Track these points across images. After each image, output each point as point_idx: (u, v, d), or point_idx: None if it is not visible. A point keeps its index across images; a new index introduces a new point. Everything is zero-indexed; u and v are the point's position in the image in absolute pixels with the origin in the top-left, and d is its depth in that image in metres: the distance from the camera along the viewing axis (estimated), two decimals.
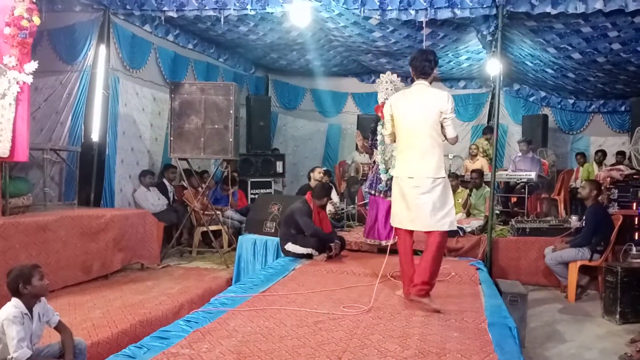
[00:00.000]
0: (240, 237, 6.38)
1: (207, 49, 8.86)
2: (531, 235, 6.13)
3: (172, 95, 6.57)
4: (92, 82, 6.63)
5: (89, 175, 6.62)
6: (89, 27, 6.59)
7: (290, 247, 5.44)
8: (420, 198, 3.58)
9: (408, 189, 3.63)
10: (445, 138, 3.64)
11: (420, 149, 3.58)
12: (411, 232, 3.79)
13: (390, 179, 5.61)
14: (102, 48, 6.68)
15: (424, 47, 5.02)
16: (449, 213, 3.59)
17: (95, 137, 6.70)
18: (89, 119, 6.66)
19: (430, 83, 3.70)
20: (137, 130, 7.42)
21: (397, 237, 3.90)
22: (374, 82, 9.74)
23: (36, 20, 4.60)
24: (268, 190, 9.16)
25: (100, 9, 6.60)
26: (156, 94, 7.78)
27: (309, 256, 5.40)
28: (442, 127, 3.58)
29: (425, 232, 3.66)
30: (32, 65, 4.64)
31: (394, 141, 3.84)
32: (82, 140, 6.52)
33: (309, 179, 7.71)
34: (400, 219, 3.75)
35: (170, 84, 6.80)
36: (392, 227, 5.59)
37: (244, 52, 9.61)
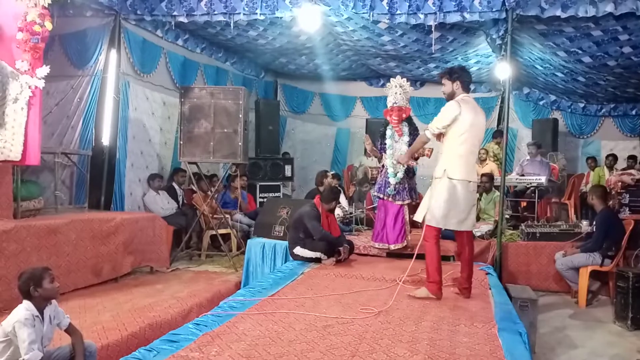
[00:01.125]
0: (249, 240, 6.40)
1: (216, 53, 8.90)
2: (541, 240, 6.09)
3: (182, 100, 6.61)
4: (102, 87, 6.69)
5: (99, 179, 6.67)
6: (100, 32, 6.66)
7: (298, 251, 5.44)
8: (474, 201, 3.93)
9: (465, 192, 3.87)
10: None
11: (476, 156, 4.12)
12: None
13: (399, 182, 5.63)
14: (113, 53, 6.74)
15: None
16: None
17: (105, 141, 6.75)
18: (100, 123, 6.72)
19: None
20: (146, 135, 7.48)
21: (429, 239, 3.96)
22: (383, 86, 9.75)
23: (48, 25, 4.65)
24: (277, 194, 9.17)
25: (112, 14, 6.66)
26: (166, 98, 7.83)
27: (317, 260, 5.39)
28: None
29: (464, 232, 4.03)
30: (44, 70, 4.69)
31: (439, 139, 4.02)
32: (93, 144, 6.57)
33: (319, 184, 7.72)
34: (451, 220, 3.90)
35: (180, 88, 6.84)
36: (400, 231, 5.64)
37: (253, 57, 9.65)
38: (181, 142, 6.64)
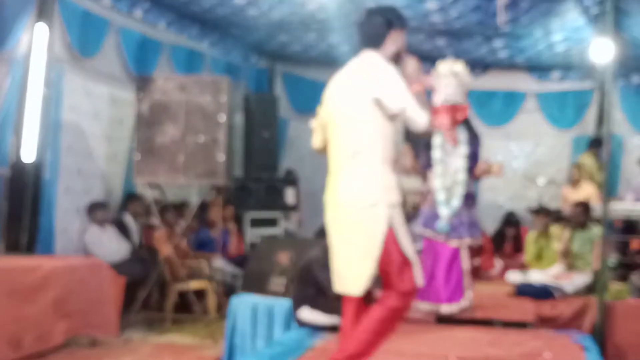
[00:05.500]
0: (233, 298, 6.37)
1: (188, 29, 8.99)
2: None
3: (140, 95, 6.67)
4: (25, 77, 6.72)
5: (19, 209, 6.67)
6: (24, 1, 6.75)
7: (307, 314, 5.41)
8: None
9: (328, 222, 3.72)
10: None
11: None
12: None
13: (455, 214, 5.61)
14: (42, 28, 6.80)
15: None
16: None
17: (29, 155, 6.79)
18: (21, 129, 6.76)
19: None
20: (87, 145, 7.52)
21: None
22: (427, 73, 9.77)
23: None
24: (274, 231, 9.16)
25: None
26: (116, 93, 7.88)
27: (334, 328, 5.36)
28: None
29: None
30: None
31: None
32: (11, 160, 6.62)
33: None
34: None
35: (137, 79, 6.89)
36: (457, 285, 5.61)
37: (241, 34, 9.72)
38: (137, 156, 6.67)
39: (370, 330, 3.51)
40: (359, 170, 3.46)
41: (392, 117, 3.47)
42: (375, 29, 3.66)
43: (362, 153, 3.46)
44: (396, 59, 3.66)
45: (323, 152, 3.85)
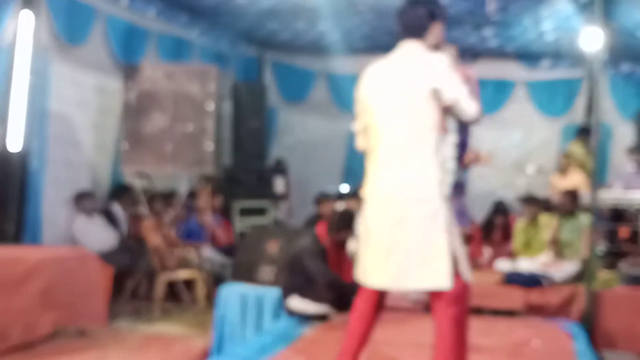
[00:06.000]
0: (222, 287, 6.37)
1: (177, 17, 8.95)
2: None
3: (126, 84, 6.65)
4: (10, 66, 6.70)
5: (5, 199, 6.66)
6: None
7: (296, 303, 5.42)
8: None
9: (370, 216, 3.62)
10: None
11: None
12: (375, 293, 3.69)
13: None
14: (27, 16, 6.76)
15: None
16: None
17: (15, 144, 6.76)
18: (6, 118, 6.73)
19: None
20: (74, 135, 7.51)
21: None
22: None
23: None
24: (264, 220, 9.17)
25: None
26: (103, 82, 7.84)
27: (323, 317, 5.37)
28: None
29: None
30: None
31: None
32: None
33: (320, 205, 7.74)
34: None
35: (124, 68, 6.87)
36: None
37: (229, 22, 9.69)
38: (125, 146, 6.65)
39: (453, 349, 3.37)
40: (416, 163, 3.40)
41: (444, 108, 3.45)
42: (418, 20, 3.60)
43: (420, 145, 3.41)
44: (435, 50, 3.62)
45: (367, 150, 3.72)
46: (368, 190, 3.58)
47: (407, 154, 3.41)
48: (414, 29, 3.58)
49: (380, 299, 3.57)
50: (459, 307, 3.35)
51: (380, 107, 3.52)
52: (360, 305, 3.64)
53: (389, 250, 3.36)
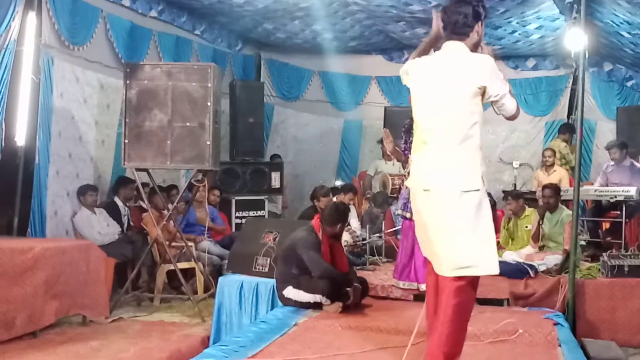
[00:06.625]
0: (220, 278, 6.37)
1: (177, 17, 8.95)
2: (631, 275, 6.04)
3: (128, 82, 6.61)
4: (16, 64, 6.65)
5: (11, 192, 6.65)
6: None
7: (290, 292, 5.43)
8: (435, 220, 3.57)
9: (422, 205, 3.63)
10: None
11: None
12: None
13: None
14: (32, 17, 6.73)
15: None
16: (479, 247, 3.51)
17: (20, 139, 6.73)
18: (12, 114, 6.70)
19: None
20: (77, 130, 7.50)
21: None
22: (407, 61, 9.76)
23: None
24: (260, 213, 9.16)
25: None
26: (105, 80, 7.85)
27: (317, 305, 5.37)
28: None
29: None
30: None
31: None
32: (3, 144, 6.55)
33: (315, 198, 7.73)
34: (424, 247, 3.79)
35: (125, 66, 6.84)
36: None
37: (227, 22, 9.67)
38: (126, 141, 6.63)
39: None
40: (465, 156, 3.46)
41: (488, 104, 3.55)
42: (464, 19, 3.59)
43: (469, 140, 3.47)
44: (475, 48, 3.65)
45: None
46: (413, 183, 3.69)
47: (461, 149, 3.46)
48: (460, 28, 3.60)
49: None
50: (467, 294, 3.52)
51: (432, 106, 3.57)
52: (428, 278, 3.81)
53: (435, 236, 3.50)
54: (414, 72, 3.72)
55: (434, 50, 3.79)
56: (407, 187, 5.76)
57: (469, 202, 3.41)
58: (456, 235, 3.41)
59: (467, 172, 3.44)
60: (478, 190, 3.42)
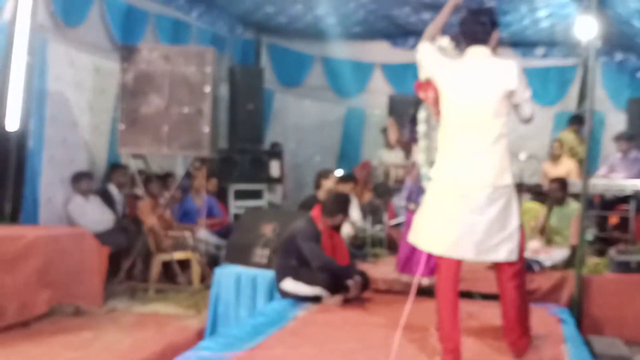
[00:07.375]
0: (217, 269, 6.37)
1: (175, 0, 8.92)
2: (639, 271, 6.06)
3: (124, 65, 6.61)
4: (9, 46, 6.63)
5: (3, 178, 6.64)
6: None
7: (289, 285, 5.43)
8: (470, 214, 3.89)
9: (453, 199, 3.91)
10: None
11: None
12: (458, 262, 3.99)
13: None
14: None
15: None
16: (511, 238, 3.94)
17: (12, 124, 6.72)
18: (4, 98, 6.68)
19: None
20: (71, 115, 7.48)
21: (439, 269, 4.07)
22: (413, 47, 9.74)
23: None
24: (259, 203, 9.16)
25: None
26: (100, 63, 7.81)
27: (316, 299, 5.38)
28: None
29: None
30: None
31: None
32: None
33: (317, 186, 7.72)
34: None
35: (121, 49, 6.83)
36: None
37: (227, 5, 9.64)
38: (121, 127, 6.63)
39: (522, 307, 4.11)
40: (498, 153, 3.88)
41: (512, 107, 3.96)
42: (483, 28, 4.02)
43: (502, 139, 3.91)
44: (493, 52, 4.07)
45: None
46: (443, 177, 4.01)
47: (495, 147, 3.89)
48: (479, 36, 4.03)
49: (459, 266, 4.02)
50: (522, 277, 4.09)
51: (467, 107, 3.93)
52: (445, 273, 4.05)
53: (470, 229, 3.82)
54: (444, 74, 4.09)
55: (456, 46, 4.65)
56: (410, 177, 5.79)
57: (505, 195, 3.85)
58: (507, 225, 3.85)
59: (501, 168, 3.86)
60: (509, 185, 3.88)
